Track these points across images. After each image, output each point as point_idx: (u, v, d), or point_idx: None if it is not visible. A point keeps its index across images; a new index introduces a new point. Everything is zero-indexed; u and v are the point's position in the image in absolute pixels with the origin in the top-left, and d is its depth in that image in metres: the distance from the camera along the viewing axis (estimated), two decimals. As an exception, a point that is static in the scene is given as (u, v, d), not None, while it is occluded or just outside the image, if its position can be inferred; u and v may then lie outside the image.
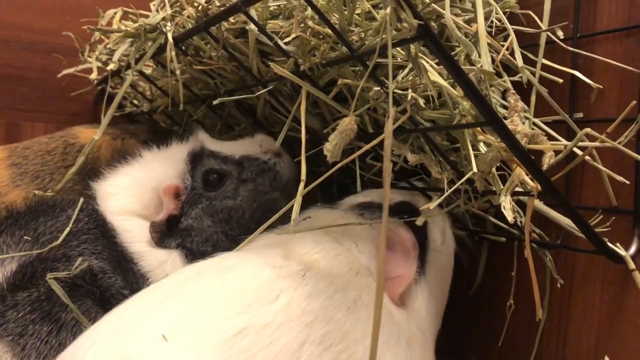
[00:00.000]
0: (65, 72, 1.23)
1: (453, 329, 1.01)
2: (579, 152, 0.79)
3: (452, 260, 0.87)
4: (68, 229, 0.82)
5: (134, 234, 0.87)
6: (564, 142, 0.79)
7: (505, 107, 0.80)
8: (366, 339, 0.64)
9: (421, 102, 0.66)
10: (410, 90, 0.67)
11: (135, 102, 1.29)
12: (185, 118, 1.10)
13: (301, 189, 0.66)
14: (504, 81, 0.75)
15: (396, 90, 0.70)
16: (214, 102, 0.81)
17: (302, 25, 0.68)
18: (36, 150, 1.08)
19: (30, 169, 1.04)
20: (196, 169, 0.92)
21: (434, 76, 0.66)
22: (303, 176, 0.67)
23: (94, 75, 0.99)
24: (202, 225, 0.89)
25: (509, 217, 0.65)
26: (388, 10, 0.51)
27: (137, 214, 0.89)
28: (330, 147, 0.62)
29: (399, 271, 0.75)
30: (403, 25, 0.53)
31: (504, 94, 0.81)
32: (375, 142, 0.59)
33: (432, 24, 0.78)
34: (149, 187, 0.89)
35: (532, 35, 0.89)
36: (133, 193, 0.89)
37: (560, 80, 0.83)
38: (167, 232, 0.87)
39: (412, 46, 0.61)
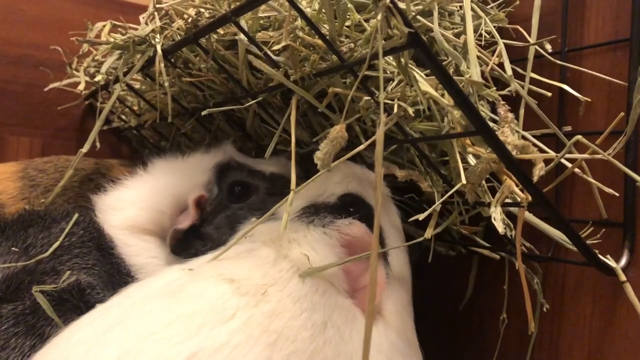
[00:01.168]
0: (52, 85, 1.22)
1: (444, 345, 1.00)
2: (569, 165, 0.79)
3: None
4: (58, 242, 0.81)
5: (135, 248, 0.85)
6: (554, 154, 0.79)
7: (494, 121, 0.80)
8: (337, 359, 0.62)
9: (410, 111, 0.66)
10: (396, 100, 0.66)
11: (123, 117, 1.28)
12: (173, 132, 1.09)
13: (291, 198, 0.65)
14: (492, 92, 0.75)
15: (386, 101, 0.69)
16: (202, 113, 0.81)
17: (292, 35, 0.68)
18: (59, 165, 1.06)
19: (44, 182, 1.02)
20: (222, 180, 0.90)
21: (424, 86, 0.66)
22: (293, 186, 0.66)
23: (81, 87, 0.98)
24: (220, 236, 0.86)
25: (500, 228, 0.65)
26: (379, 17, 0.51)
27: (142, 228, 0.87)
28: (321, 155, 0.61)
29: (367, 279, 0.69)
30: (394, 32, 0.53)
31: (493, 107, 0.81)
32: (365, 144, 0.58)
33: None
34: (166, 195, 0.87)
35: (521, 50, 0.89)
36: (144, 205, 0.87)
37: (549, 94, 0.84)
38: (184, 240, 0.85)
39: (402, 56, 0.61)
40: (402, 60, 0.62)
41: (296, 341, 0.60)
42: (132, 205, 0.87)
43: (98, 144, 1.17)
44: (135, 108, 1.19)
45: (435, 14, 0.67)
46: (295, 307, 0.62)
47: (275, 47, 0.67)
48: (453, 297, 1.00)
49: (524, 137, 0.85)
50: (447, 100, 0.65)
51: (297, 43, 0.68)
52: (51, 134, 1.30)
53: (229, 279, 0.63)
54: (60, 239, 0.81)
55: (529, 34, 0.85)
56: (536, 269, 0.86)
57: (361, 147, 0.60)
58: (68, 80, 1.23)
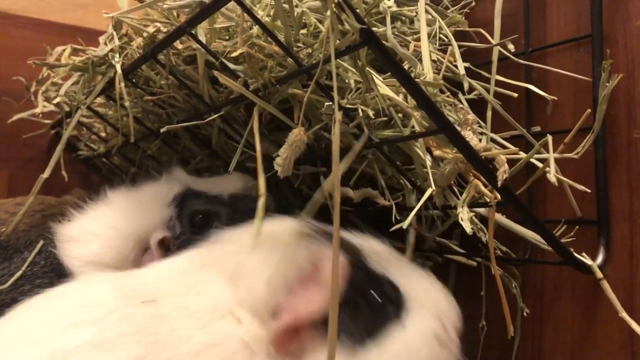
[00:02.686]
0: (16, 117, 1.19)
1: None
2: (539, 164, 0.78)
3: None
4: (20, 272, 0.78)
5: None
6: (523, 154, 0.78)
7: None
8: None
9: (371, 113, 0.65)
10: (358, 105, 0.65)
11: (92, 145, 1.26)
12: (139, 154, 1.07)
13: (261, 205, 0.63)
14: (447, 96, 0.74)
15: (348, 106, 0.68)
16: (162, 130, 0.79)
17: (249, 42, 0.67)
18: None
19: None
20: (182, 213, 0.85)
21: (383, 89, 0.65)
22: (262, 191, 0.64)
23: (39, 109, 0.96)
24: None
25: (468, 228, 0.63)
26: (329, 12, 0.50)
27: (104, 264, 0.81)
28: (281, 162, 0.59)
29: (298, 308, 0.55)
30: (346, 28, 0.52)
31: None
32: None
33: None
34: (129, 236, 0.82)
35: (485, 54, 0.89)
36: (106, 243, 0.82)
37: (515, 95, 0.83)
38: None
39: (358, 57, 0.60)
40: (359, 62, 0.60)
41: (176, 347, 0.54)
42: (96, 239, 0.82)
43: (65, 173, 1.16)
44: (103, 134, 1.17)
45: (388, 17, 0.66)
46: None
47: (234, 54, 0.66)
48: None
49: (492, 140, 0.84)
50: (407, 103, 0.64)
51: (254, 50, 0.67)
52: (17, 165, 1.27)
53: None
54: (23, 268, 0.78)
55: (492, 37, 0.84)
56: (514, 273, 0.85)
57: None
58: (32, 110, 1.20)
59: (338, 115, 0.51)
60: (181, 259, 0.67)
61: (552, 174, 0.63)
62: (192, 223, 0.85)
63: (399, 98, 0.64)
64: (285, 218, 0.68)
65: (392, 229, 0.68)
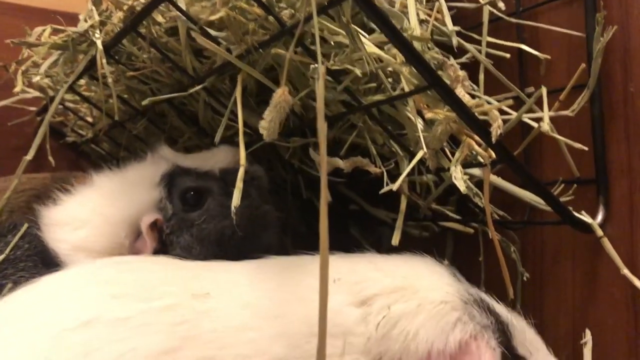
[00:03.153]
0: (1, 103, 1.17)
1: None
2: (534, 125, 0.76)
3: None
4: (2, 256, 0.76)
5: None
6: (515, 114, 0.76)
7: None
8: None
9: (358, 72, 0.62)
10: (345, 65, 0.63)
11: (81, 131, 1.23)
12: (125, 136, 1.05)
13: (241, 174, 0.61)
14: (436, 52, 0.72)
15: (334, 68, 0.66)
16: (143, 103, 0.76)
17: (230, 5, 0.65)
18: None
19: None
20: (172, 192, 0.81)
21: (370, 47, 0.62)
22: (242, 161, 0.62)
23: (18, 88, 0.94)
24: (190, 253, 0.78)
25: (462, 187, 0.62)
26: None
27: (95, 250, 0.78)
28: (266, 124, 0.57)
29: None
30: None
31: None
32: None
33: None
34: (118, 223, 0.78)
35: (475, 17, 0.87)
36: (96, 230, 0.78)
37: (508, 55, 0.81)
38: None
39: (342, 12, 0.57)
40: (344, 18, 0.58)
41: (222, 349, 0.51)
42: (85, 225, 0.79)
43: (52, 159, 1.13)
44: (90, 119, 1.15)
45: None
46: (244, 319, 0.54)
47: (213, 17, 0.63)
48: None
49: (487, 102, 0.82)
50: (395, 59, 0.62)
51: (235, 13, 0.64)
52: (4, 154, 1.24)
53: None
54: (7, 251, 0.76)
55: (481, -3, 0.82)
56: (513, 238, 0.83)
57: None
58: (17, 97, 1.18)
59: (321, 68, 0.48)
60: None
61: (546, 123, 0.61)
62: (184, 201, 0.81)
63: (387, 55, 0.62)
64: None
65: (382, 191, 0.66)
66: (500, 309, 0.58)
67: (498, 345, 0.53)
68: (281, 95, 0.55)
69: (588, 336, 0.65)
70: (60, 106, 1.20)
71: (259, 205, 0.85)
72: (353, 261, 0.62)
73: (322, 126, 0.48)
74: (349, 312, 0.53)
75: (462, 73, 0.65)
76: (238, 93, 0.66)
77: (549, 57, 0.80)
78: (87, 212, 0.79)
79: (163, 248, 0.78)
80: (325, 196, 0.42)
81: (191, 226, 0.80)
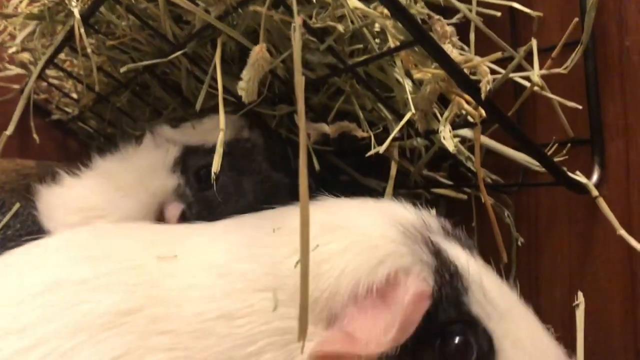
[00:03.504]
0: (-19, 82, 1.15)
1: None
2: (527, 84, 0.74)
3: None
4: None
5: None
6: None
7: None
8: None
9: (341, 28, 0.60)
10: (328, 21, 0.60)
11: (67, 109, 1.21)
12: (109, 110, 1.02)
13: (220, 139, 0.59)
14: (421, 7, 0.69)
15: (317, 25, 0.63)
16: (122, 70, 0.74)
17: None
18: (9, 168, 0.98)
19: None
20: (189, 176, 0.80)
21: (354, 2, 0.60)
22: (222, 125, 0.60)
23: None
24: None
25: (450, 147, 0.59)
26: None
27: None
28: (244, 85, 0.55)
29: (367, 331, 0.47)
30: None
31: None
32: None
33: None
34: (138, 214, 0.76)
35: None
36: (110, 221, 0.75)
37: (498, 14, 0.78)
38: None
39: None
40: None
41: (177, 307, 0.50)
42: (102, 217, 0.75)
43: (36, 137, 1.11)
44: (74, 95, 1.12)
45: None
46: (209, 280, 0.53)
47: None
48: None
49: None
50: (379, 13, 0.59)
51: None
52: (-11, 134, 1.22)
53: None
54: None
55: (471, -46, 0.79)
56: (506, 202, 0.81)
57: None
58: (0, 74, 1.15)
59: (298, 19, 0.46)
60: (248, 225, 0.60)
61: (536, 75, 0.59)
62: (198, 180, 0.80)
63: (371, 10, 0.59)
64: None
65: (370, 153, 0.64)
66: (463, 261, 0.53)
67: (437, 286, 0.49)
68: (259, 52, 0.53)
69: (581, 298, 0.63)
70: (45, 83, 1.17)
71: (270, 175, 0.84)
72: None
73: (299, 80, 0.46)
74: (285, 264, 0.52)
75: (449, 28, 0.62)
76: (217, 56, 0.64)
77: (541, 14, 0.77)
78: (103, 203, 0.77)
79: None
80: (304, 145, 0.40)
81: (211, 207, 0.78)
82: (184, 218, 0.77)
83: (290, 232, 0.52)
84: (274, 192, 0.83)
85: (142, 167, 0.80)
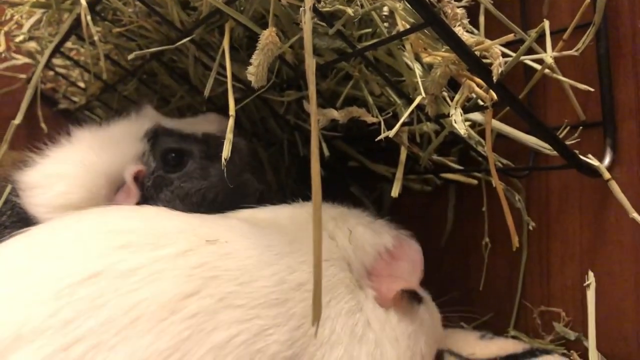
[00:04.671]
0: (-13, 71, 1.15)
1: (429, 285, 0.94)
2: (537, 67, 0.73)
3: None
4: None
5: None
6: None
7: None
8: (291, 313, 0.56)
9: (350, 12, 0.59)
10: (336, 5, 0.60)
11: (74, 99, 1.21)
12: (117, 99, 1.02)
13: (230, 125, 0.58)
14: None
15: (326, 9, 0.62)
16: (129, 57, 0.73)
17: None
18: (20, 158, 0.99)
19: None
20: (156, 149, 0.80)
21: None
22: (232, 111, 0.60)
23: (1, 49, 0.91)
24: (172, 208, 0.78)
25: (462, 130, 0.59)
26: None
27: (72, 205, 0.77)
28: (254, 69, 0.54)
29: (402, 276, 0.68)
30: None
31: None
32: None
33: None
34: (99, 172, 0.75)
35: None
36: (73, 182, 0.75)
37: (509, -5, 0.77)
38: None
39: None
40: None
41: (244, 284, 0.53)
42: (61, 180, 0.75)
43: (44, 126, 1.11)
44: (81, 84, 1.12)
45: None
46: (262, 255, 0.57)
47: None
48: (434, 235, 0.94)
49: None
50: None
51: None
52: (-2, 124, 1.22)
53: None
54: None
55: None
56: (517, 186, 0.80)
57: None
58: (7, 63, 1.15)
59: (308, 2, 0.45)
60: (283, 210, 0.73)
61: (549, 57, 0.58)
62: (165, 162, 0.79)
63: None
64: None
65: (379, 137, 0.63)
66: None
67: None
68: (268, 37, 0.53)
69: (591, 278, 0.63)
70: (51, 72, 1.17)
71: (240, 172, 0.84)
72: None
73: (310, 63, 0.46)
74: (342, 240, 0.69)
75: (460, 11, 0.62)
76: (226, 42, 0.63)
77: (551, -4, 0.76)
78: (65, 166, 0.76)
79: (143, 202, 0.76)
80: (316, 134, 0.40)
81: (171, 184, 0.79)
82: (139, 181, 0.77)
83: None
84: (240, 189, 0.83)
85: (114, 134, 0.80)
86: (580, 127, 0.71)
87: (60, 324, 0.45)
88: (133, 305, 0.46)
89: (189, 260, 0.51)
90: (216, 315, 0.49)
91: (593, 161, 0.67)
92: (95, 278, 0.47)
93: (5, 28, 0.90)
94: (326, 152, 0.77)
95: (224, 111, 0.87)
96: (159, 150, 0.80)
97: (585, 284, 0.63)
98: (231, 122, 0.59)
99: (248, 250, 0.57)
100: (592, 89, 0.69)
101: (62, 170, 0.76)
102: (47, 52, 0.84)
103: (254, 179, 0.87)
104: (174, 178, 0.79)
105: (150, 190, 0.78)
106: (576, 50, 0.69)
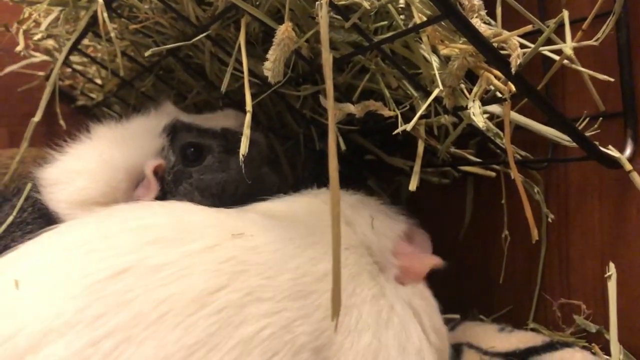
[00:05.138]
0: (8, 69, 1.16)
1: (448, 279, 0.94)
2: (556, 57, 0.72)
3: None
4: (11, 218, 0.75)
5: None
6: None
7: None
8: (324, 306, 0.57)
9: (366, 5, 0.59)
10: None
11: (92, 95, 1.22)
12: (134, 95, 1.03)
13: (247, 120, 0.59)
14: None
15: (341, 2, 0.62)
16: (146, 54, 0.74)
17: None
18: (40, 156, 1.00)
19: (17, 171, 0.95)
20: (174, 144, 0.81)
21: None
22: (249, 107, 0.60)
23: (20, 47, 0.92)
24: (191, 201, 0.77)
25: (480, 122, 0.58)
26: None
27: (92, 201, 0.77)
28: (270, 65, 0.54)
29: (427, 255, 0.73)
30: None
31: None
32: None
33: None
34: (119, 167, 0.77)
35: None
36: (92, 177, 0.76)
37: (526, -14, 0.76)
38: None
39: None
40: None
41: (271, 278, 0.54)
42: (80, 176, 0.77)
43: (63, 123, 1.12)
44: (99, 81, 1.13)
45: None
46: (286, 248, 0.58)
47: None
48: (452, 228, 0.94)
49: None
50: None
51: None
52: (16, 121, 1.23)
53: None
54: (14, 212, 0.75)
55: None
56: (536, 178, 0.80)
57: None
58: (24, 61, 1.16)
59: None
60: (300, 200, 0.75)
61: (569, 47, 0.57)
62: (184, 156, 0.81)
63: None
64: None
65: (396, 131, 0.63)
66: None
67: None
68: (284, 32, 0.52)
69: (612, 270, 0.62)
70: (69, 69, 1.18)
71: (258, 165, 0.86)
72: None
73: (327, 57, 0.45)
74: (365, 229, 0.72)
75: (477, 2, 0.61)
76: (242, 37, 0.63)
77: (570, -15, 0.75)
78: (84, 162, 0.78)
79: (163, 196, 0.78)
80: (332, 128, 0.40)
81: (190, 177, 0.80)
82: (159, 175, 0.78)
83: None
84: (258, 182, 0.84)
85: (133, 130, 0.82)
86: (600, 118, 0.70)
87: (90, 319, 0.45)
88: (162, 300, 0.47)
89: (217, 255, 0.52)
90: (244, 309, 0.50)
91: (614, 152, 0.66)
92: (124, 273, 0.48)
93: (24, 27, 0.91)
94: (343, 146, 0.77)
95: (240, 106, 0.88)
96: (178, 144, 0.81)
97: (606, 276, 0.62)
98: (248, 117, 0.59)
99: (273, 244, 0.58)
100: (612, 79, 0.68)
101: (82, 166, 0.77)
102: (65, 50, 0.85)
103: (272, 172, 0.88)
104: (193, 171, 0.80)
105: (170, 184, 0.79)
106: (596, 40, 0.68)
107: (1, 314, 0.47)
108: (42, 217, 0.77)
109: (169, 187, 0.79)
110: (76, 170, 0.77)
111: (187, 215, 0.58)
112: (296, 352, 0.51)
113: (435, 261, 0.72)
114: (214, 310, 0.48)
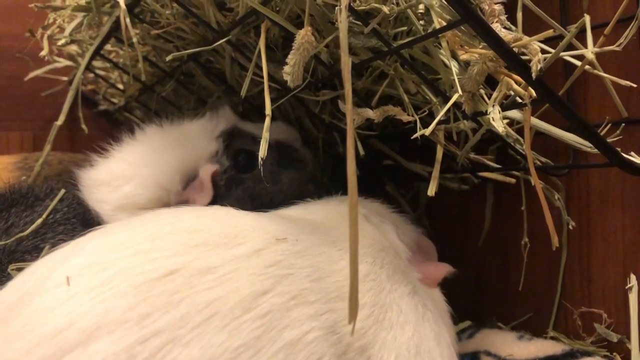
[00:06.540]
0: (32, 74, 1.18)
1: (467, 286, 0.93)
2: (578, 63, 0.72)
3: None
4: (40, 220, 0.76)
5: None
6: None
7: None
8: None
9: (386, 10, 0.59)
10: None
11: (114, 100, 1.24)
12: (155, 99, 1.04)
13: (267, 125, 0.59)
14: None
15: (361, 7, 0.62)
16: (167, 59, 0.74)
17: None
18: (63, 159, 1.02)
19: (44, 172, 0.97)
20: (229, 149, 0.83)
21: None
22: (268, 111, 0.60)
23: (44, 52, 0.93)
24: (242, 207, 0.80)
25: (500, 128, 0.58)
26: None
27: (138, 207, 0.78)
28: (289, 69, 0.55)
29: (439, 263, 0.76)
30: None
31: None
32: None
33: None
34: (174, 169, 0.78)
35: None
36: (145, 182, 0.78)
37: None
38: None
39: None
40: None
41: (317, 280, 0.55)
42: (129, 182, 0.78)
43: (85, 127, 1.13)
44: (120, 86, 1.15)
45: None
46: (330, 251, 0.60)
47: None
48: (472, 234, 0.93)
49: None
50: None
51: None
52: (40, 125, 1.26)
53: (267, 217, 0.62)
54: (45, 215, 0.76)
55: None
56: (557, 185, 0.79)
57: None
58: (48, 66, 1.19)
59: (344, 1, 0.45)
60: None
61: (590, 52, 0.57)
62: (235, 162, 0.82)
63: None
64: None
65: (415, 135, 0.63)
66: None
67: None
68: (304, 36, 0.53)
69: (633, 281, 0.61)
70: (91, 74, 1.20)
71: (307, 182, 0.87)
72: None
73: (346, 62, 0.46)
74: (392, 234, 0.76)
75: (497, 7, 0.61)
76: (262, 42, 0.64)
77: (592, -10, 0.75)
78: (133, 167, 0.79)
79: (213, 200, 0.79)
80: (351, 132, 0.40)
81: (243, 183, 0.82)
82: (215, 182, 0.79)
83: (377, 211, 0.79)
84: (303, 197, 0.84)
85: (188, 131, 0.83)
86: (623, 124, 0.69)
87: (138, 317, 0.46)
88: (208, 302, 0.48)
89: (263, 259, 0.53)
90: (289, 312, 0.50)
91: (636, 159, 0.65)
92: (172, 275, 0.48)
93: (48, 32, 0.93)
94: (361, 151, 0.77)
95: (259, 111, 0.89)
96: (232, 150, 0.82)
97: (627, 287, 0.61)
98: (267, 121, 0.59)
99: (317, 247, 0.59)
100: (634, 85, 0.68)
101: (130, 171, 0.79)
102: (88, 55, 0.87)
103: (315, 190, 0.89)
104: (245, 178, 0.82)
105: (222, 188, 0.80)
106: (618, 46, 0.68)
107: (54, 308, 0.47)
108: (76, 218, 0.78)
109: (221, 191, 0.80)
110: (125, 175, 0.78)
111: (231, 220, 0.59)
112: (342, 353, 0.52)
113: (448, 268, 0.74)
114: (259, 314, 0.48)
